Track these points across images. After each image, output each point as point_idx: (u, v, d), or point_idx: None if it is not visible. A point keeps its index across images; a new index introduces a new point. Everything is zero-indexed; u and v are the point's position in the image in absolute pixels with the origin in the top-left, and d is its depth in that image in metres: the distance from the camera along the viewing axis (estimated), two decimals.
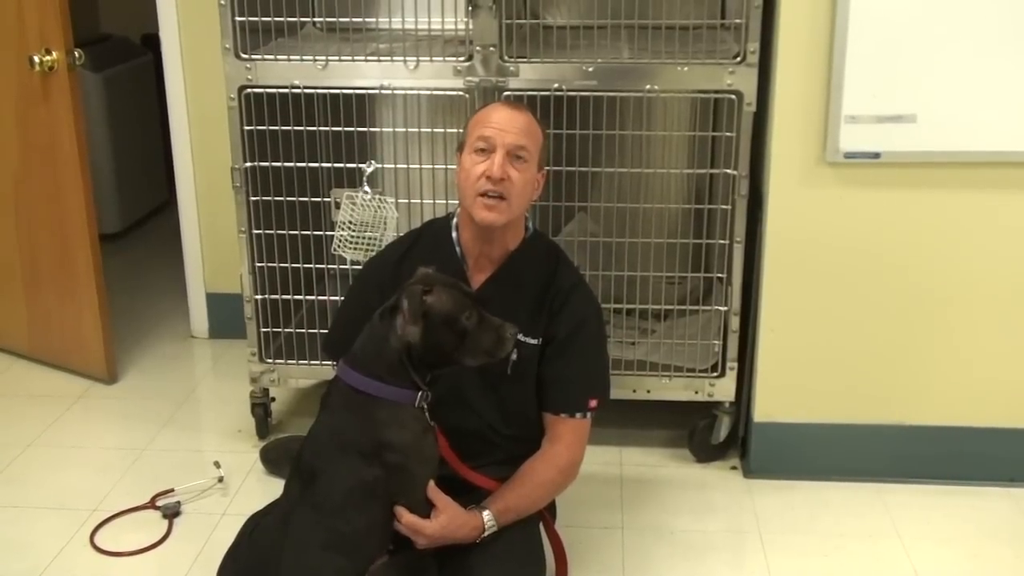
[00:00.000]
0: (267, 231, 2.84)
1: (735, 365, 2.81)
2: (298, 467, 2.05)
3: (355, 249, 2.75)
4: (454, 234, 2.25)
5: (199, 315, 3.79)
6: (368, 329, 2.05)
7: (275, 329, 2.93)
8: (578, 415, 2.22)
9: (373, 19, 3.14)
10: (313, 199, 2.86)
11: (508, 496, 2.15)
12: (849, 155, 2.56)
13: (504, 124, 2.11)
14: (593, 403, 2.23)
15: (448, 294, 2.00)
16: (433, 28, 2.77)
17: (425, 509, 2.03)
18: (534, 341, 2.19)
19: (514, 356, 2.16)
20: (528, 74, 2.65)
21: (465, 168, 2.14)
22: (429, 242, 2.29)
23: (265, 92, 2.73)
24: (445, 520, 2.03)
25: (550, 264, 2.25)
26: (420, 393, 2.02)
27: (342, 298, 2.52)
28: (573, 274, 2.28)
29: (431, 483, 2.05)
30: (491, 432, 2.23)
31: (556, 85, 2.64)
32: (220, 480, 2.80)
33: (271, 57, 2.72)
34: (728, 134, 2.67)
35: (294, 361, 2.93)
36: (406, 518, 2.00)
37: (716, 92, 2.65)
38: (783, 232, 2.66)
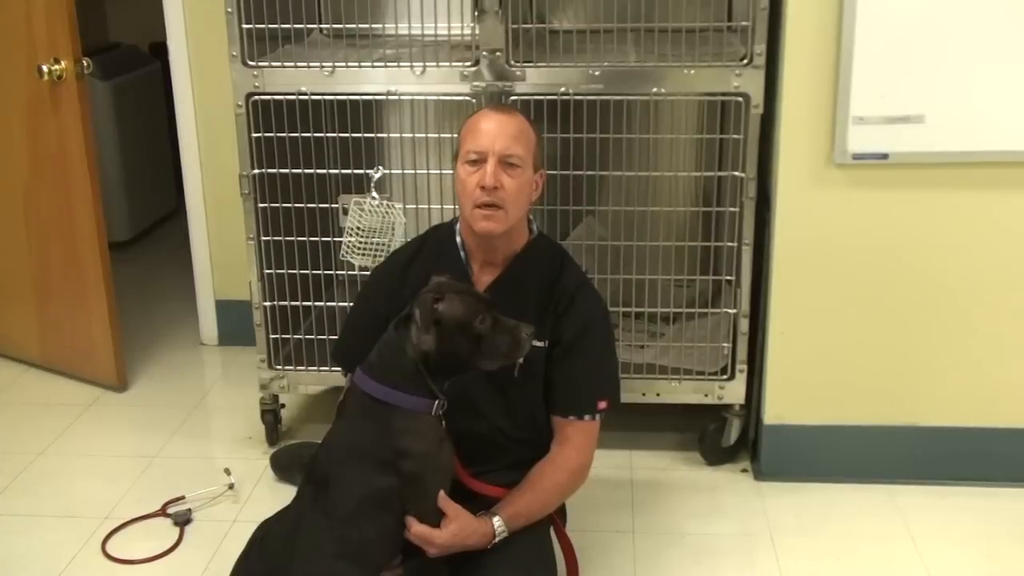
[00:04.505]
0: (275, 238, 2.85)
1: (745, 367, 2.80)
2: (311, 474, 2.05)
3: (363, 255, 2.75)
4: (458, 239, 2.25)
5: (208, 322, 3.80)
6: (384, 339, 2.05)
7: (284, 336, 2.94)
8: (587, 417, 2.21)
9: (380, 25, 3.14)
10: (321, 205, 2.86)
11: (518, 501, 2.14)
12: (857, 156, 2.55)
13: (493, 132, 2.10)
14: (602, 404, 2.22)
15: (460, 300, 2.00)
16: (439, 33, 2.77)
17: (436, 518, 2.03)
18: (540, 344, 2.19)
19: (521, 360, 2.16)
20: (534, 78, 2.65)
21: (460, 179, 2.14)
22: (434, 248, 2.29)
23: (272, 99, 2.74)
24: (456, 528, 2.03)
25: (555, 266, 2.25)
26: (436, 402, 2.02)
27: (351, 305, 2.52)
28: (578, 275, 2.28)
29: (441, 492, 2.04)
30: (500, 436, 2.22)
31: (562, 89, 2.64)
32: (231, 487, 2.80)
33: (278, 64, 2.73)
34: (736, 136, 2.67)
35: (303, 367, 2.93)
36: (416, 528, 2.00)
37: (723, 94, 2.65)
38: (792, 234, 2.65)
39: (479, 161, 2.10)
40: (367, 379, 2.02)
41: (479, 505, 2.13)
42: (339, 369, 2.46)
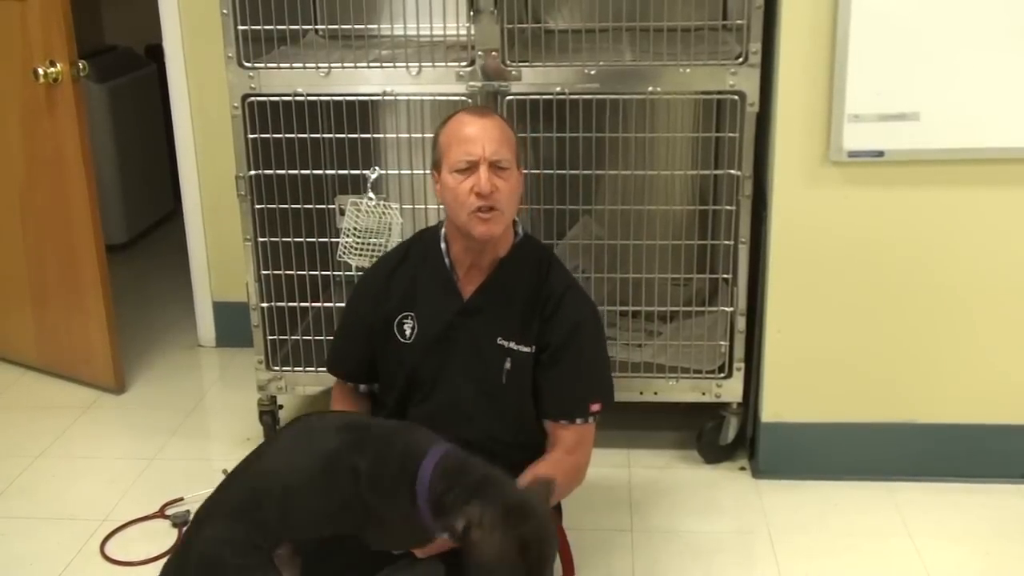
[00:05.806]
0: (272, 239, 2.85)
1: (742, 366, 2.81)
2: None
3: (360, 256, 2.75)
4: (443, 245, 2.24)
5: (206, 324, 3.79)
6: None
7: (282, 337, 2.94)
8: (579, 420, 2.20)
9: (375, 26, 3.14)
10: (318, 206, 2.86)
11: None
12: (853, 154, 2.56)
13: (481, 137, 2.10)
14: (595, 407, 2.21)
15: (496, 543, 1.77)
16: (435, 34, 2.77)
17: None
18: (527, 349, 2.18)
19: (508, 365, 2.16)
20: (530, 78, 2.65)
21: (450, 188, 2.12)
22: (419, 253, 2.28)
23: (268, 100, 2.74)
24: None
25: (541, 269, 2.24)
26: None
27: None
28: (565, 278, 2.27)
29: None
30: (492, 442, 2.20)
31: (558, 88, 2.64)
32: None
33: (274, 65, 2.73)
34: (731, 135, 2.67)
35: (301, 368, 2.93)
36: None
37: (719, 93, 2.65)
38: (788, 232, 2.65)
39: (470, 169, 2.10)
40: (432, 474, 1.88)
41: None
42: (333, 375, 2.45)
